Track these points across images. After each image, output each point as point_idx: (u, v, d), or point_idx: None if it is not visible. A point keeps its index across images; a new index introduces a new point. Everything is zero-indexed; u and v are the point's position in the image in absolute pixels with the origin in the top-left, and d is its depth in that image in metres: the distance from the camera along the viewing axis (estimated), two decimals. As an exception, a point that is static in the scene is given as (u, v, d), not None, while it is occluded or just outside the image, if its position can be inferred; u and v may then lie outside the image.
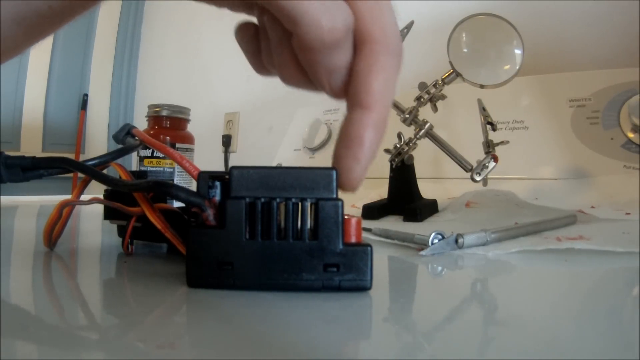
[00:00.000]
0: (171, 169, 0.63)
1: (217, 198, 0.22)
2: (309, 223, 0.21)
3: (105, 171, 0.29)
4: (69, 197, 0.30)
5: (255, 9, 0.25)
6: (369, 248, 0.21)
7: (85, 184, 0.30)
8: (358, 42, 0.22)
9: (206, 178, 0.22)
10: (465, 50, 0.55)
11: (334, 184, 0.21)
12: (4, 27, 0.24)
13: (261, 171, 0.21)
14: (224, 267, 0.21)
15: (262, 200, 0.21)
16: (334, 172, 0.21)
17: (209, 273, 0.21)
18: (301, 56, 0.22)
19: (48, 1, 0.24)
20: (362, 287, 0.21)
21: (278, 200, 0.21)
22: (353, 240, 0.21)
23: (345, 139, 0.22)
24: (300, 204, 0.21)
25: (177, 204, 0.26)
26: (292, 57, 0.23)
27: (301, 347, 0.15)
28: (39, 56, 1.94)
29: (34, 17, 0.24)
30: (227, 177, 0.21)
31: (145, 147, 0.35)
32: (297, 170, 0.21)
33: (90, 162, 0.29)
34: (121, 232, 0.33)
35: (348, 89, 0.22)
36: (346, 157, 0.21)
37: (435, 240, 0.32)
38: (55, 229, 0.30)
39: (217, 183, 0.22)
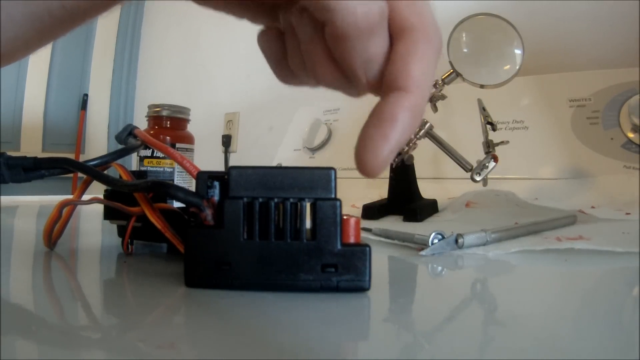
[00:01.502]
0: (171, 169, 0.63)
1: (216, 198, 0.22)
2: (307, 223, 0.21)
3: (106, 171, 0.29)
4: (69, 197, 0.30)
5: (280, 13, 0.24)
6: (367, 248, 0.21)
7: (87, 184, 0.30)
8: (396, 31, 0.21)
9: (205, 178, 0.22)
10: (465, 50, 0.55)
11: (333, 183, 0.21)
12: (17, 26, 0.23)
13: (260, 171, 0.21)
14: (222, 267, 0.21)
15: (260, 200, 0.21)
16: (333, 172, 0.21)
17: (207, 273, 0.21)
18: (335, 48, 0.21)
19: (61, 1, 0.23)
20: (360, 287, 0.21)
21: (276, 200, 0.21)
22: (352, 240, 0.21)
23: (375, 119, 0.20)
24: (298, 204, 0.21)
25: (177, 204, 0.26)
26: (324, 53, 0.22)
27: (300, 347, 0.15)
28: (39, 56, 1.93)
29: (46, 17, 0.24)
30: (226, 177, 0.21)
31: (146, 147, 0.35)
32: (295, 170, 0.21)
33: (91, 163, 0.29)
34: (121, 232, 0.33)
35: (385, 76, 0.21)
36: (374, 135, 0.20)
37: (435, 240, 0.32)
38: (56, 229, 0.30)
39: (216, 183, 0.22)
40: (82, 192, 0.30)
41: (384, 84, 0.21)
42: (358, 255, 0.21)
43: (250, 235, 0.21)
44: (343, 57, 0.21)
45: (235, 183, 0.21)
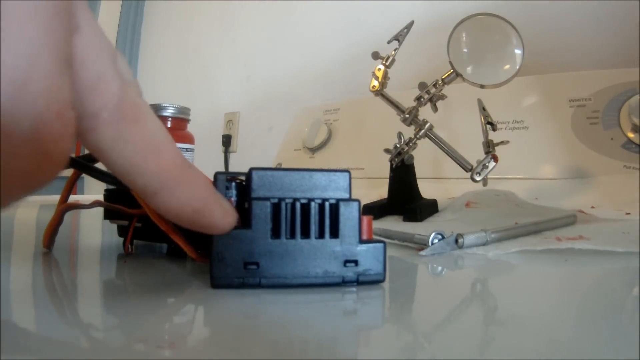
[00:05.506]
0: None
1: (234, 199, 0.22)
2: (328, 222, 0.22)
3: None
4: (70, 201, 0.30)
5: None
6: (383, 244, 0.22)
7: (72, 183, 0.30)
8: None
9: (224, 179, 0.22)
10: (465, 50, 0.55)
11: (349, 185, 0.22)
12: None
13: (279, 173, 0.22)
14: (249, 266, 0.21)
15: (287, 201, 0.21)
16: (349, 174, 0.23)
17: (234, 273, 0.21)
18: None
19: None
20: (377, 280, 0.23)
21: (302, 201, 0.22)
22: (365, 237, 0.23)
23: None
24: (321, 204, 0.22)
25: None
26: None
27: (299, 346, 0.15)
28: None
29: None
30: (241, 178, 0.22)
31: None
32: (313, 172, 0.22)
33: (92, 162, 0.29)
34: (121, 232, 0.33)
35: None
36: None
37: (435, 240, 0.32)
38: (51, 229, 0.30)
39: (233, 184, 0.22)
40: (69, 192, 0.30)
41: None
42: (375, 250, 0.22)
43: (276, 234, 0.21)
44: None
45: (257, 184, 0.21)
